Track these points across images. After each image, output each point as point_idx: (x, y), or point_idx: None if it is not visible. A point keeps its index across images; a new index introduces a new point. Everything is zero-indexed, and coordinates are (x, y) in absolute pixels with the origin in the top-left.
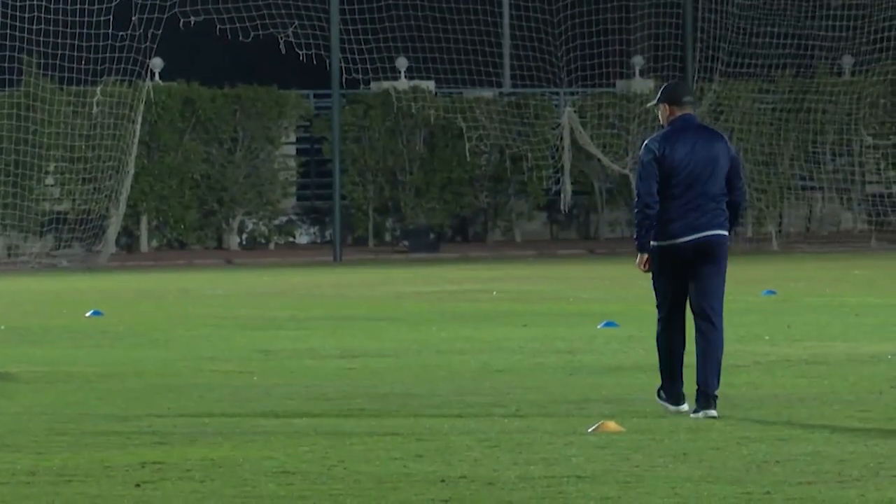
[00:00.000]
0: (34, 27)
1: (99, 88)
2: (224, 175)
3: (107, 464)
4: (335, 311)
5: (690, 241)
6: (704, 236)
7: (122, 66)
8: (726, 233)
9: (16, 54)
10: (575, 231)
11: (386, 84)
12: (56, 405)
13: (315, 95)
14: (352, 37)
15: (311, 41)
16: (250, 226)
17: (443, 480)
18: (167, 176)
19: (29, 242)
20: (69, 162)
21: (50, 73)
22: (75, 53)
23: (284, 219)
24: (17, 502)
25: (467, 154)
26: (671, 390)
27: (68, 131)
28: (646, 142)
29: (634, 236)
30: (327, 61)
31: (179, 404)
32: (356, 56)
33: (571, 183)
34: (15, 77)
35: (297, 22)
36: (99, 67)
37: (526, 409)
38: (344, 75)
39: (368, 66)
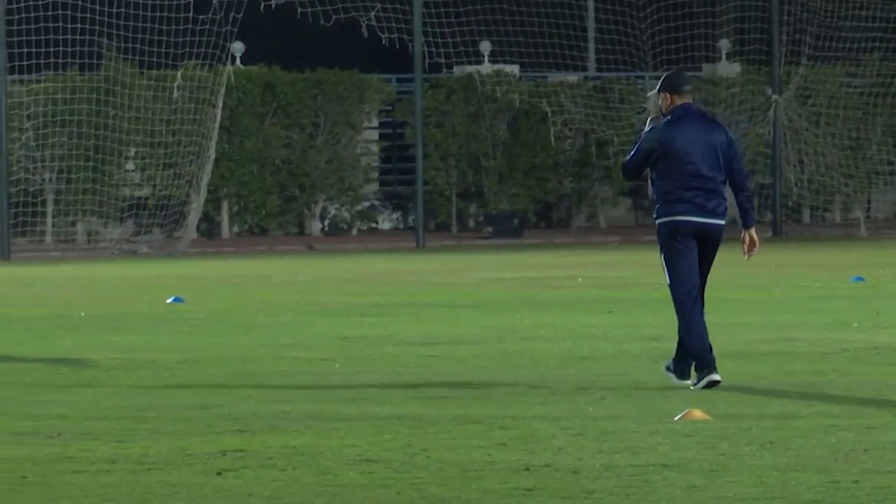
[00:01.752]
0: (114, 10)
1: (179, 73)
2: (305, 160)
3: (187, 452)
4: (417, 297)
5: (696, 222)
6: (706, 223)
7: (203, 49)
8: (724, 222)
9: (96, 38)
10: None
11: (469, 68)
12: (136, 392)
13: (397, 80)
14: (435, 20)
15: (393, 24)
16: (332, 211)
17: (527, 469)
18: (248, 161)
19: (109, 228)
20: (149, 147)
21: (130, 57)
22: (155, 37)
23: (366, 204)
24: (97, 490)
25: (552, 139)
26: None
27: (148, 116)
28: (650, 127)
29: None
30: (410, 45)
31: (260, 392)
32: (439, 39)
33: None
34: (95, 61)
35: (379, 5)
36: (179, 51)
37: (610, 397)
38: (426, 59)
39: (451, 49)
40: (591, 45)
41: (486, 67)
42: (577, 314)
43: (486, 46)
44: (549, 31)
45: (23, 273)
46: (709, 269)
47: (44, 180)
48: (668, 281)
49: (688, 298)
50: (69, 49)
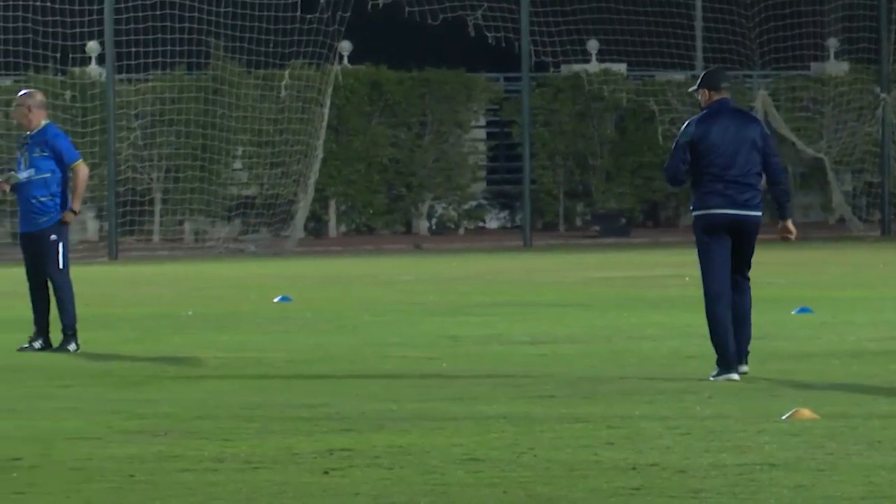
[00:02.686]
0: (222, 10)
1: (287, 72)
2: (412, 159)
3: (294, 451)
4: (524, 296)
5: (729, 214)
6: (742, 214)
7: (311, 49)
8: (760, 213)
9: (203, 37)
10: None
11: (576, 67)
12: (243, 391)
13: (504, 79)
14: (541, 18)
15: (500, 23)
16: (439, 210)
17: (633, 468)
18: (355, 160)
19: (216, 227)
20: (257, 146)
21: (238, 56)
22: (263, 36)
23: (474, 203)
24: (204, 489)
25: (659, 137)
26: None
27: (256, 115)
28: (686, 122)
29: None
30: (517, 44)
31: (367, 390)
32: (546, 38)
33: None
34: (203, 60)
35: (486, 4)
36: (287, 50)
37: (718, 396)
38: (533, 58)
39: (559, 48)
40: (699, 44)
41: (594, 66)
42: (685, 313)
43: (593, 45)
44: (656, 29)
45: (130, 272)
46: (748, 261)
47: (151, 179)
48: (702, 274)
49: (718, 294)
50: (177, 48)
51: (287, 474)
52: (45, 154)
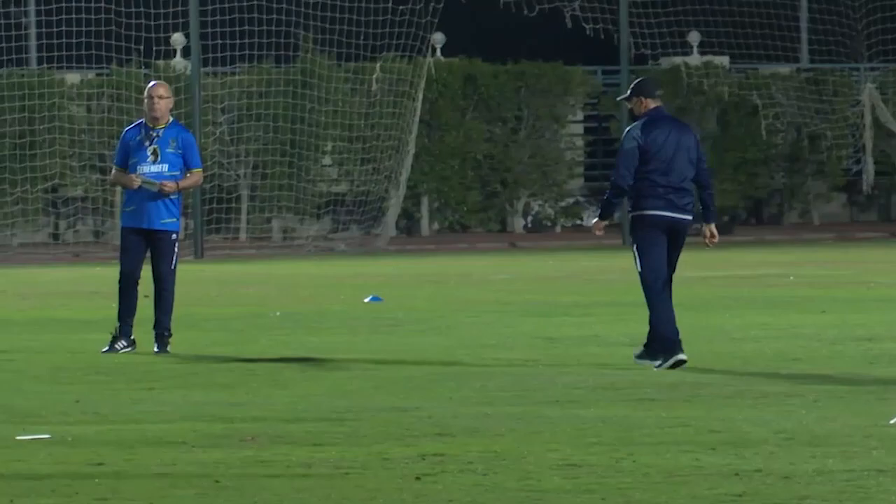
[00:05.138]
0: (311, 1)
1: (378, 65)
2: (507, 155)
3: (385, 456)
4: (622, 296)
5: (667, 217)
6: (676, 218)
7: (402, 41)
8: (691, 217)
9: (292, 29)
10: (875, 213)
11: (677, 59)
12: (332, 395)
13: (602, 72)
14: (641, 10)
15: (598, 14)
16: (535, 208)
17: (736, 474)
18: (448, 156)
19: (305, 225)
20: (347, 141)
21: (327, 48)
22: (354, 28)
23: (571, 200)
24: (293, 495)
25: (763, 133)
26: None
27: (346, 109)
28: (628, 129)
29: (600, 206)
30: (615, 35)
31: (460, 394)
32: (645, 30)
33: (873, 163)
34: (291, 53)
35: None
36: (378, 43)
37: (823, 400)
38: (632, 50)
39: (658, 40)
40: (804, 36)
41: (695, 59)
42: (789, 314)
43: (694, 37)
44: (759, 20)
45: (217, 271)
46: (677, 259)
47: (238, 176)
48: (639, 269)
49: (656, 285)
50: (264, 41)
51: (378, 480)
52: (179, 151)
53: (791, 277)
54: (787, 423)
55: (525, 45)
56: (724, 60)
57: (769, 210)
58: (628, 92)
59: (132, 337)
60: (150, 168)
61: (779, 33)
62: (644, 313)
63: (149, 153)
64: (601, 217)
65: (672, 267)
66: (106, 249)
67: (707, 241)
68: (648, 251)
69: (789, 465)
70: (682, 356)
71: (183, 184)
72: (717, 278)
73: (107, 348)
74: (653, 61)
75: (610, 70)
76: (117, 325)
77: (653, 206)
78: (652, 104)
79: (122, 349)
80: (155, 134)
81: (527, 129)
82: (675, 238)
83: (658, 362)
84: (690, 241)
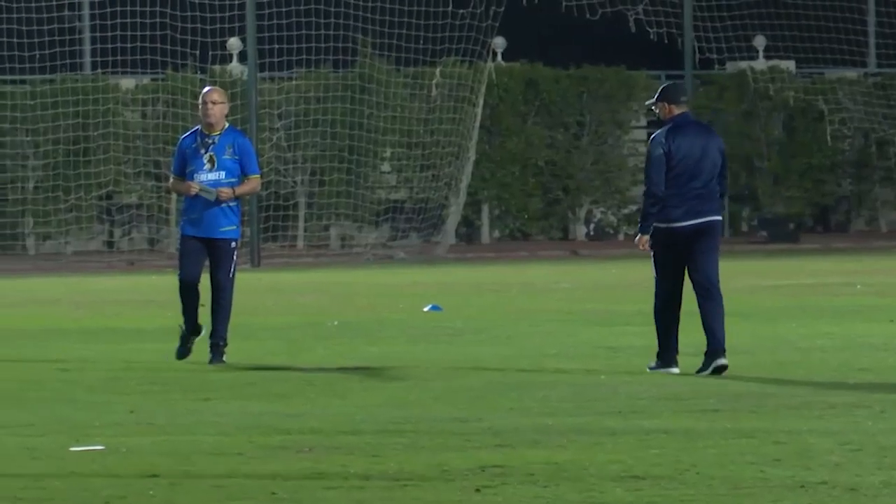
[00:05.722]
0: (369, 5)
1: (438, 70)
2: (569, 161)
3: (444, 467)
4: (685, 305)
5: (691, 225)
6: (706, 221)
7: (463, 45)
8: (720, 217)
9: (350, 34)
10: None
11: (742, 64)
12: (391, 405)
13: (666, 76)
14: (706, 13)
15: (662, 18)
16: (598, 215)
17: (802, 486)
18: (509, 162)
19: (364, 233)
20: (406, 147)
21: (386, 53)
22: (413, 33)
23: (634, 208)
24: None
25: (829, 139)
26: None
27: (405, 115)
28: (653, 136)
29: (639, 219)
30: (679, 40)
31: (521, 404)
32: (710, 34)
33: None
34: (349, 58)
35: None
36: (438, 47)
37: (890, 410)
38: (697, 55)
39: (723, 44)
40: (872, 40)
41: (760, 63)
42: (856, 323)
43: (760, 41)
44: (826, 24)
45: (273, 280)
46: (715, 261)
47: (296, 183)
48: (656, 277)
49: (670, 298)
50: (322, 45)
51: (437, 492)
52: (236, 157)
53: (858, 286)
54: (854, 434)
55: (587, 50)
56: (790, 65)
57: (836, 217)
58: (654, 97)
59: (199, 323)
60: (207, 176)
61: (846, 37)
62: (698, 321)
63: (205, 161)
64: (642, 231)
65: (711, 269)
66: (161, 257)
67: None
68: (661, 272)
69: (855, 477)
70: (675, 369)
71: (239, 190)
72: (783, 287)
73: (179, 345)
74: (718, 66)
75: (674, 75)
76: (182, 326)
77: (673, 216)
78: (677, 110)
79: (195, 340)
80: (210, 141)
81: (589, 134)
82: (702, 240)
83: (675, 369)
84: (753, 249)
